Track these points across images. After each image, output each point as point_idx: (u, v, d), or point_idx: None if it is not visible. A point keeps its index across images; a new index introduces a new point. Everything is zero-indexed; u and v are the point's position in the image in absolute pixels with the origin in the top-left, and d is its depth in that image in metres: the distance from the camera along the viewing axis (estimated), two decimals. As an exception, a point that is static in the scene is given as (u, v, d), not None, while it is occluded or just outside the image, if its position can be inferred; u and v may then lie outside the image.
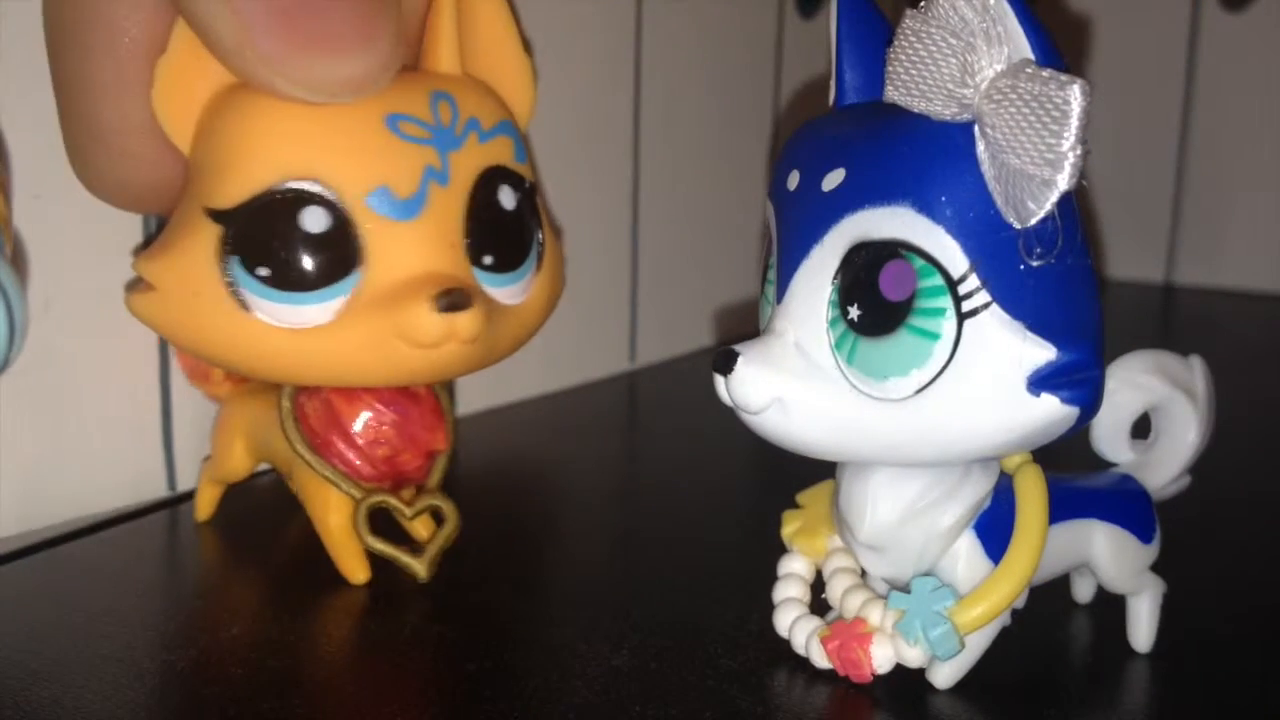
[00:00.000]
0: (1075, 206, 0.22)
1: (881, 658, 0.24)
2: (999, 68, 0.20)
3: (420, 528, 0.30)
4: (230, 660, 0.25)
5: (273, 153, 0.26)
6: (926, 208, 0.21)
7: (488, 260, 0.28)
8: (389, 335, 0.26)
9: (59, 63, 0.27)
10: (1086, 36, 0.67)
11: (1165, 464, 0.26)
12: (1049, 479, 0.24)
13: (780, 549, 0.27)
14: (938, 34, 0.20)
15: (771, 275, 0.24)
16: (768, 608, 0.26)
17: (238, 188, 0.26)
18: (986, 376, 0.21)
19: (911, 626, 0.23)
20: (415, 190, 0.26)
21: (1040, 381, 0.21)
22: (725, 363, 0.22)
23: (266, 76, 0.25)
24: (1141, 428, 0.27)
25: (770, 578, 0.26)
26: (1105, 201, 0.67)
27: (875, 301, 0.22)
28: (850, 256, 0.22)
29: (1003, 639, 0.24)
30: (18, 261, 0.30)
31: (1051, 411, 0.21)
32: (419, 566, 0.28)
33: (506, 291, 0.29)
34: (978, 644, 0.24)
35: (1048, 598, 0.26)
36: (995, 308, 0.21)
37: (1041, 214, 0.20)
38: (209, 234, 0.26)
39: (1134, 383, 0.26)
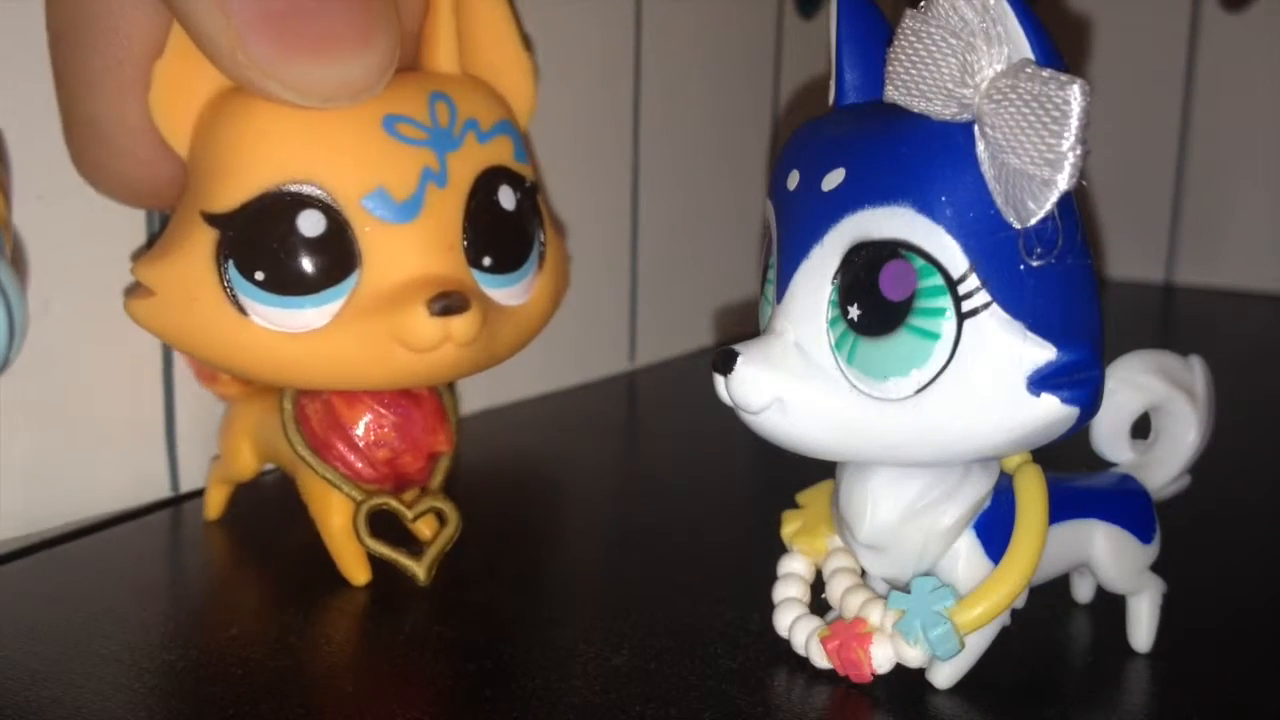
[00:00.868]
0: (1075, 206, 0.22)
1: (881, 658, 0.24)
2: (999, 68, 0.20)
3: (425, 528, 0.30)
4: (230, 660, 0.25)
5: (268, 156, 0.26)
6: (926, 207, 0.21)
7: (487, 261, 0.28)
8: (385, 339, 0.26)
9: (58, 57, 0.27)
10: (1086, 36, 0.67)
11: (1165, 464, 0.26)
12: (1049, 479, 0.24)
13: (780, 549, 0.27)
14: (938, 34, 0.20)
15: (771, 275, 0.24)
16: (768, 608, 0.26)
17: (233, 191, 0.26)
18: (986, 376, 0.21)
19: (911, 626, 0.23)
20: (412, 192, 0.26)
21: (1040, 381, 0.21)
22: (725, 362, 0.22)
23: (260, 80, 0.25)
24: (1141, 428, 0.27)
25: (770, 578, 0.26)
26: (1105, 201, 0.67)
27: (875, 301, 0.22)
28: (850, 256, 0.22)
29: (1003, 639, 0.24)
30: (18, 261, 0.30)
31: (1051, 411, 0.21)
32: (418, 569, 0.28)
33: (507, 293, 0.28)
34: (978, 644, 0.24)
35: (1048, 598, 0.26)
36: (995, 308, 0.21)
37: (1041, 214, 0.20)
38: (205, 238, 0.26)
39: (1134, 383, 0.26)
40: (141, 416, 0.33)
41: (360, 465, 0.28)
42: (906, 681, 0.24)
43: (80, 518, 0.32)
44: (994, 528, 0.24)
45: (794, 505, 0.27)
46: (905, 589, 0.24)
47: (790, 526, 0.27)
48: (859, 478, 0.24)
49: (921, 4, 0.21)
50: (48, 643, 0.26)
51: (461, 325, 0.26)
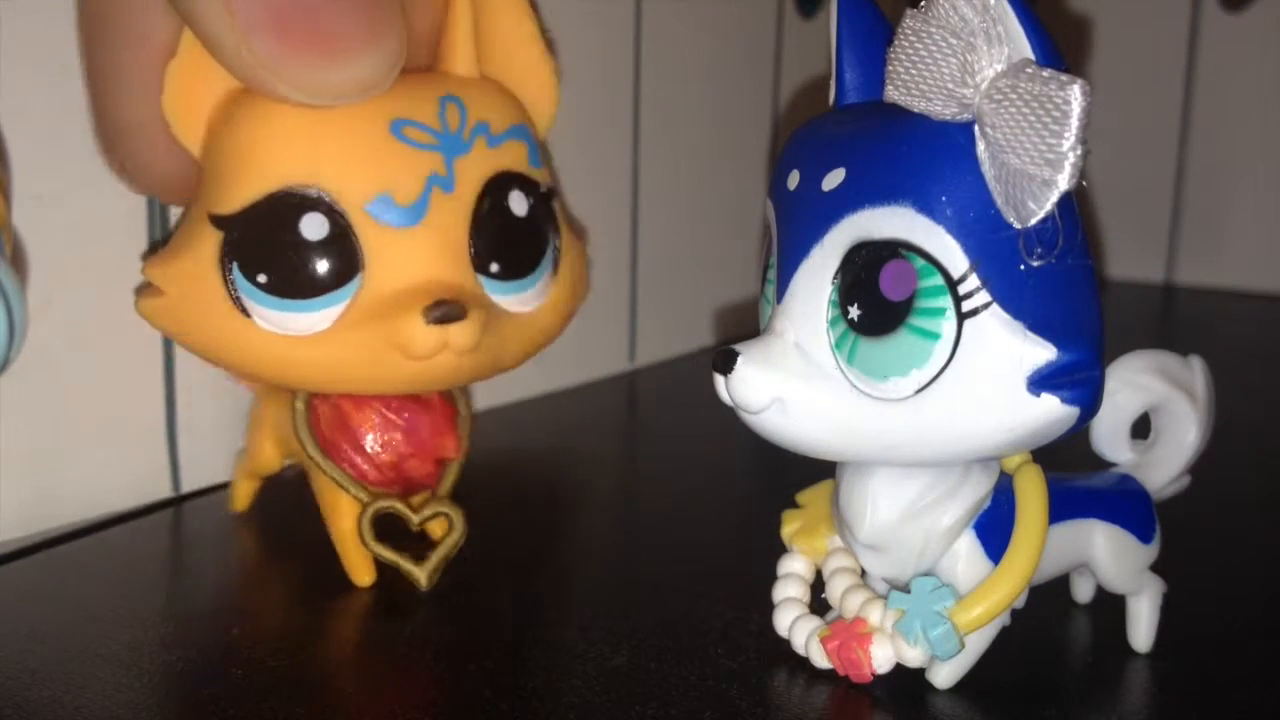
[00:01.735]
0: (1075, 206, 0.22)
1: (881, 658, 0.24)
2: (999, 67, 0.20)
3: (439, 529, 0.30)
4: (230, 660, 0.25)
5: (273, 158, 0.26)
6: (927, 207, 0.21)
7: (495, 268, 0.28)
8: (385, 345, 0.26)
9: (84, 51, 0.28)
10: (1086, 36, 0.67)
11: (1165, 464, 0.26)
12: (1049, 479, 0.24)
13: (780, 549, 0.27)
14: (938, 34, 0.20)
15: (771, 275, 0.24)
16: (768, 608, 0.26)
17: (238, 193, 0.26)
18: (987, 376, 0.21)
19: (911, 626, 0.23)
20: (417, 197, 0.26)
21: (1040, 381, 0.21)
22: (725, 362, 0.22)
23: (266, 79, 0.25)
24: (1141, 428, 0.27)
25: (770, 578, 0.26)
26: (1105, 201, 0.67)
27: (875, 301, 0.22)
28: (850, 256, 0.22)
29: (1003, 639, 0.24)
30: (18, 261, 0.30)
31: (1052, 411, 0.21)
32: (420, 574, 0.28)
33: (516, 299, 0.28)
34: (978, 644, 0.24)
35: (1048, 598, 0.26)
36: (995, 308, 0.21)
37: (1042, 214, 0.20)
38: (211, 240, 0.26)
39: (1134, 383, 0.26)
40: (142, 416, 0.33)
41: (366, 468, 0.28)
42: (906, 681, 0.24)
43: (80, 518, 0.32)
44: (994, 528, 0.23)
45: (794, 505, 0.27)
46: (905, 589, 0.24)
47: (790, 526, 0.27)
48: (859, 478, 0.24)
49: (922, 4, 0.21)
50: (48, 643, 0.26)
51: (459, 333, 0.26)
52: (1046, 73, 0.20)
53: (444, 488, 0.29)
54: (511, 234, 0.28)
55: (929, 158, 0.21)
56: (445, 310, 0.26)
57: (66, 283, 0.31)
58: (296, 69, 0.25)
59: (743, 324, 0.53)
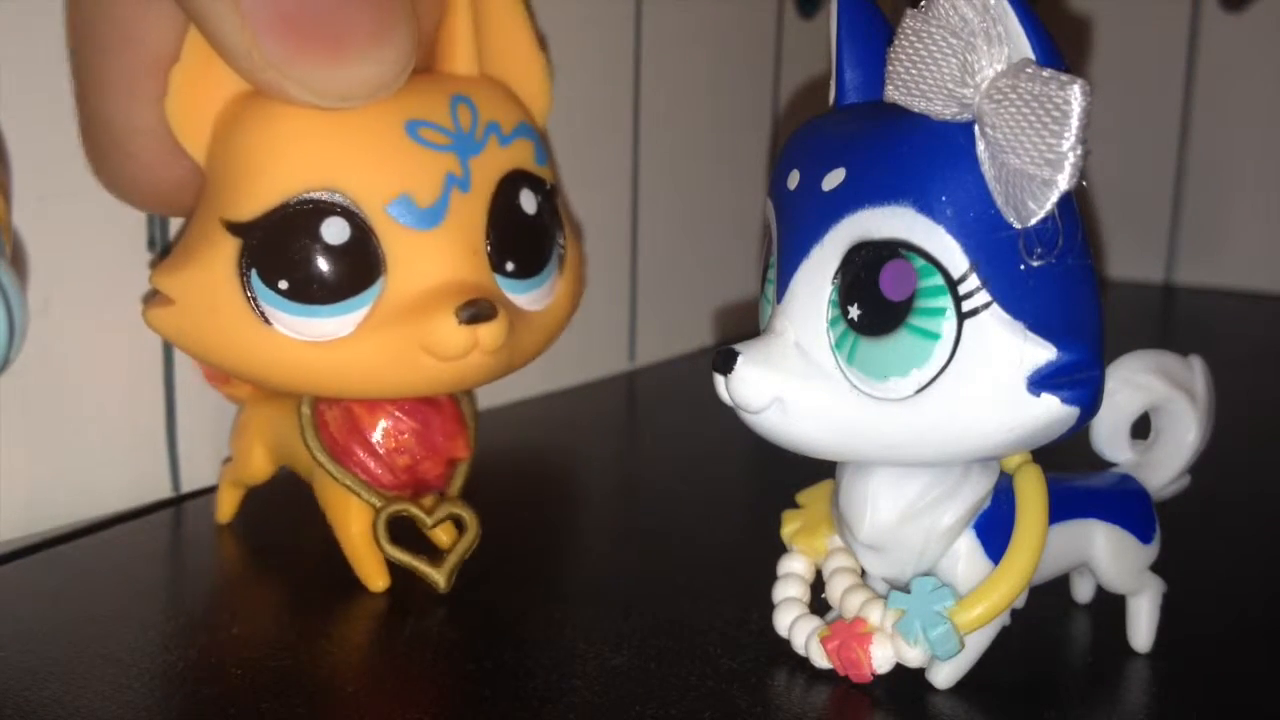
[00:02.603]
0: (1075, 206, 0.22)
1: (881, 658, 0.24)
2: (999, 67, 0.20)
3: (443, 534, 0.30)
4: (230, 660, 0.25)
5: (291, 163, 0.26)
6: (927, 207, 0.21)
7: (510, 267, 0.28)
8: (412, 347, 0.26)
9: (76, 62, 0.27)
10: (1086, 36, 0.67)
11: (1165, 464, 0.26)
12: (1049, 479, 0.24)
13: (780, 549, 0.27)
14: (938, 33, 0.20)
15: (771, 275, 0.24)
16: (768, 608, 0.26)
17: (256, 199, 0.26)
18: (987, 376, 0.21)
19: (911, 626, 0.23)
20: (437, 198, 0.26)
21: (1040, 381, 0.21)
22: (725, 362, 0.22)
23: (276, 81, 0.25)
24: (1141, 428, 0.27)
25: (770, 578, 0.26)
26: (1105, 201, 0.67)
27: (875, 301, 0.22)
28: (850, 256, 0.22)
29: (1003, 639, 0.24)
30: (18, 261, 0.30)
31: (1052, 411, 0.21)
32: (438, 576, 0.28)
33: (529, 298, 0.28)
34: (977, 644, 0.24)
35: (1048, 598, 0.26)
36: (995, 308, 0.21)
37: (1042, 214, 0.20)
38: (227, 247, 0.26)
39: (1134, 383, 0.26)
40: (142, 416, 0.33)
41: (380, 471, 0.28)
42: (906, 681, 0.24)
43: (81, 518, 0.32)
44: (994, 528, 0.23)
45: (794, 505, 0.27)
46: (905, 589, 0.24)
47: (790, 526, 0.27)
48: (859, 478, 0.24)
49: (922, 4, 0.21)
50: (48, 643, 0.26)
51: (489, 333, 0.26)
52: (1047, 73, 0.20)
53: (454, 489, 0.29)
54: (524, 232, 0.28)
55: (929, 158, 0.21)
56: (476, 309, 0.26)
57: (66, 283, 0.31)
58: (307, 70, 0.24)
59: (743, 324, 0.53)
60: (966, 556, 0.23)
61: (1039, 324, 0.21)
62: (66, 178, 0.30)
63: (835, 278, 0.22)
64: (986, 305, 0.21)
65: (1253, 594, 0.29)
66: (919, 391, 0.21)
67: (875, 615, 0.24)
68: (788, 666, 0.25)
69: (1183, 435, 0.26)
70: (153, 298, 0.28)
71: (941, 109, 0.21)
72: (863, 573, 0.25)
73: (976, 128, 0.21)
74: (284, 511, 0.33)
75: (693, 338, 0.52)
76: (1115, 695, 0.24)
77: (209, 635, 0.26)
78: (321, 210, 0.26)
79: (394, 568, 0.29)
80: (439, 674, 0.25)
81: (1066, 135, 0.19)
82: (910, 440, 0.22)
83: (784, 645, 0.25)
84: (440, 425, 0.29)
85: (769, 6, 0.54)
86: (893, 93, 0.22)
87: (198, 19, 0.25)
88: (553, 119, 0.31)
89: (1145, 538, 0.26)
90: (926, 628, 0.23)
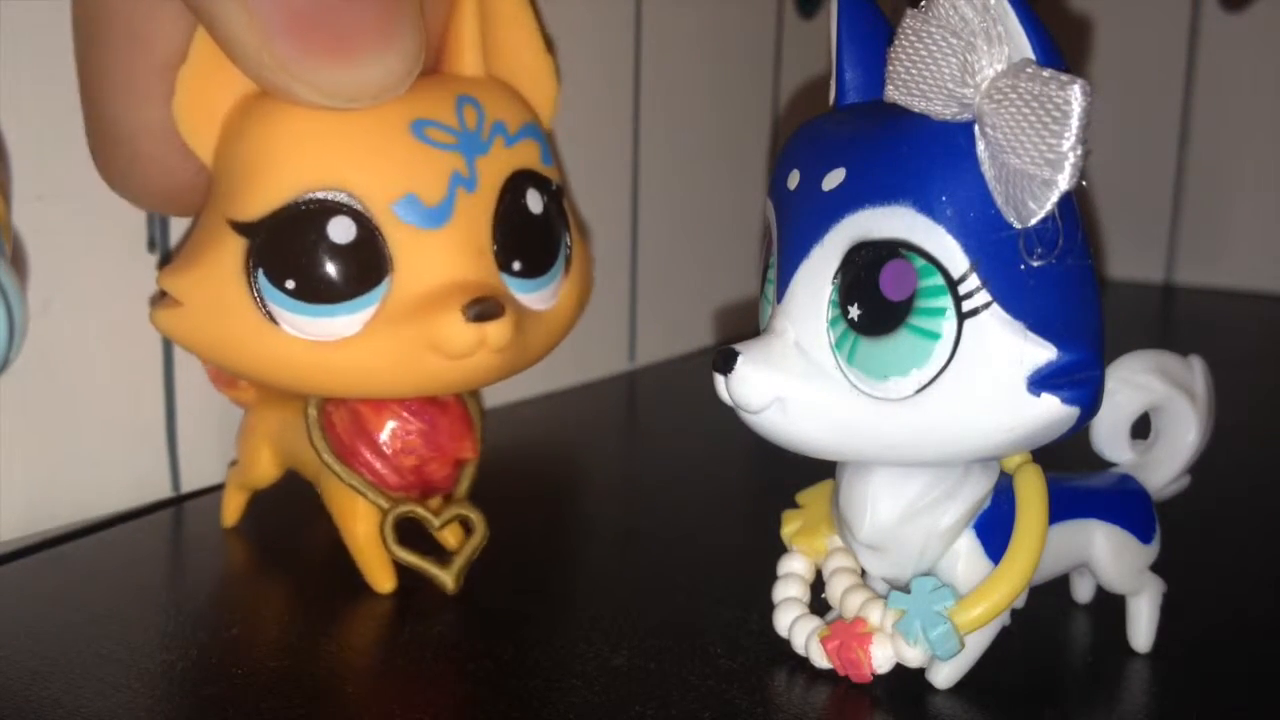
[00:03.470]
0: (1076, 206, 0.22)
1: (881, 658, 0.24)
2: (999, 67, 0.20)
3: (449, 535, 0.30)
4: (230, 660, 0.25)
5: (297, 163, 0.26)
6: (927, 207, 0.21)
7: (517, 266, 0.28)
8: (419, 346, 0.26)
9: (81, 58, 0.27)
10: (1086, 36, 0.67)
11: (1165, 464, 0.26)
12: (1049, 479, 0.24)
13: (780, 549, 0.27)
14: (938, 33, 0.20)
15: (772, 274, 0.24)
16: (768, 608, 0.26)
17: (262, 199, 0.26)
18: (987, 376, 0.21)
19: (911, 626, 0.23)
20: (443, 198, 0.26)
21: (1040, 381, 0.21)
22: (725, 362, 0.22)
23: (285, 82, 0.25)
24: (1142, 428, 0.27)
25: (770, 578, 0.26)
26: (1105, 201, 0.67)
27: (875, 301, 0.22)
28: (850, 256, 0.22)
29: (1003, 639, 0.24)
30: (18, 261, 0.30)
31: (1052, 411, 0.21)
32: (446, 577, 0.28)
33: (536, 297, 0.28)
34: (977, 644, 0.24)
35: (1048, 597, 0.26)
36: (995, 307, 0.21)
37: (1042, 214, 0.20)
38: (234, 247, 0.26)
39: (1134, 383, 0.26)
40: (142, 416, 0.33)
41: (386, 472, 0.28)
42: (906, 681, 0.24)
43: (81, 518, 0.32)
44: (994, 528, 0.23)
45: (794, 505, 0.27)
46: (905, 589, 0.24)
47: (790, 526, 0.27)
48: (859, 478, 0.24)
49: (922, 3, 0.21)
50: (48, 643, 0.26)
51: (496, 331, 0.26)
52: (1047, 73, 0.20)
53: (461, 489, 0.29)
54: (530, 232, 0.28)
55: (929, 158, 0.21)
56: (483, 307, 0.26)
57: (66, 283, 0.31)
58: (316, 71, 0.24)
59: (743, 324, 0.53)
60: (966, 556, 0.23)
61: (1039, 324, 0.21)
62: (66, 178, 0.30)
63: (835, 278, 0.22)
64: (987, 305, 0.21)
65: (1253, 594, 0.29)
66: (919, 391, 0.21)
67: (875, 615, 0.24)
68: (788, 666, 0.25)
69: (1183, 435, 0.26)
70: (160, 299, 0.28)
71: (941, 109, 0.21)
72: (863, 573, 0.25)
73: (976, 128, 0.21)
74: (284, 511, 0.33)
75: (693, 338, 0.52)
76: (1115, 695, 0.24)
77: (209, 635, 0.26)
78: (328, 209, 0.26)
79: (398, 568, 0.29)
80: (439, 674, 0.25)
81: (1067, 135, 0.19)
82: (910, 440, 0.22)
83: (784, 645, 0.25)
84: (447, 426, 0.29)
85: (769, 6, 0.54)
86: (893, 93, 0.22)
87: (207, 20, 0.25)
88: (553, 119, 0.31)
89: (1145, 538, 0.26)
90: (926, 628, 0.23)
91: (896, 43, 0.21)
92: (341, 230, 0.26)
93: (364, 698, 0.24)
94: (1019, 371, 0.21)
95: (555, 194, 0.29)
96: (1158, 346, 0.26)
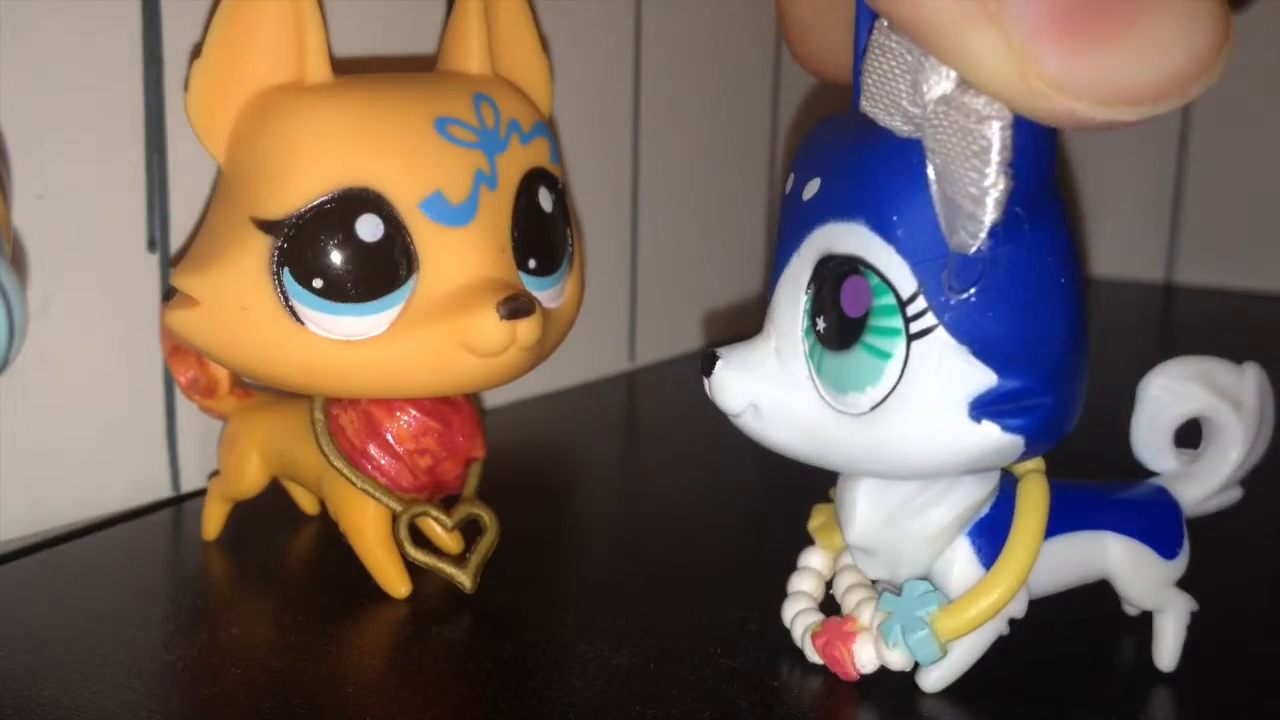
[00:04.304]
0: (1056, 224, 0.21)
1: (865, 658, 0.24)
2: (945, 89, 0.19)
3: (447, 538, 0.30)
4: (230, 660, 0.25)
5: (324, 160, 0.25)
6: (880, 226, 0.21)
7: (532, 264, 0.28)
8: (450, 344, 0.26)
9: None
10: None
11: (1204, 477, 0.25)
12: (1062, 487, 0.24)
13: (780, 547, 0.27)
14: (897, 48, 0.20)
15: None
16: (768, 608, 0.26)
17: (288, 197, 0.25)
18: (931, 400, 0.21)
19: (892, 629, 0.23)
20: (467, 196, 0.26)
21: (981, 408, 0.21)
22: (706, 365, 0.23)
23: (1061, 103, 0.19)
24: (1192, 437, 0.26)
25: (769, 577, 0.26)
26: (1105, 201, 0.67)
27: (837, 316, 0.22)
28: (819, 268, 0.22)
29: (1002, 639, 0.24)
30: (18, 261, 0.30)
31: (991, 439, 0.21)
32: (464, 577, 0.28)
33: (549, 294, 0.28)
34: (967, 651, 0.23)
35: (1047, 598, 0.26)
36: (941, 331, 0.21)
37: (975, 245, 0.20)
38: (257, 245, 0.26)
39: (1173, 390, 0.25)
40: (142, 416, 0.33)
41: (400, 474, 0.28)
42: (906, 682, 0.24)
43: (80, 518, 0.32)
44: (992, 534, 0.23)
45: (793, 505, 0.27)
46: (898, 591, 0.23)
47: (815, 520, 0.27)
48: (848, 481, 0.24)
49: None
50: (48, 643, 0.26)
51: (527, 328, 0.26)
52: (974, 103, 0.19)
53: (470, 489, 0.29)
54: (544, 230, 0.28)
55: (886, 176, 0.21)
56: (516, 305, 0.25)
57: (66, 283, 0.31)
58: (1091, 72, 0.19)
59: (742, 324, 0.53)
60: (960, 562, 0.23)
61: (984, 350, 0.21)
62: (66, 178, 0.30)
63: (809, 288, 0.22)
64: (933, 328, 0.21)
65: (1255, 596, 0.29)
66: (873, 409, 0.21)
67: (866, 615, 0.24)
68: (787, 666, 0.25)
69: (1226, 447, 0.25)
70: (173, 299, 0.27)
71: (901, 125, 0.20)
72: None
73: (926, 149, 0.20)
74: (284, 511, 0.33)
75: (693, 338, 0.52)
76: (1115, 695, 0.24)
77: (209, 635, 0.26)
78: (356, 207, 0.25)
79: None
80: (439, 674, 0.25)
81: (988, 171, 0.19)
82: (866, 456, 0.22)
83: (784, 645, 0.25)
84: (460, 425, 0.28)
85: (769, 7, 0.54)
86: (865, 105, 0.21)
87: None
88: (553, 119, 0.31)
89: (1168, 553, 0.25)
90: (906, 631, 0.23)
91: (866, 54, 0.21)
92: (370, 228, 0.25)
93: (364, 698, 0.24)
94: (960, 397, 0.21)
95: (562, 192, 0.29)
96: (1157, 346, 0.26)
